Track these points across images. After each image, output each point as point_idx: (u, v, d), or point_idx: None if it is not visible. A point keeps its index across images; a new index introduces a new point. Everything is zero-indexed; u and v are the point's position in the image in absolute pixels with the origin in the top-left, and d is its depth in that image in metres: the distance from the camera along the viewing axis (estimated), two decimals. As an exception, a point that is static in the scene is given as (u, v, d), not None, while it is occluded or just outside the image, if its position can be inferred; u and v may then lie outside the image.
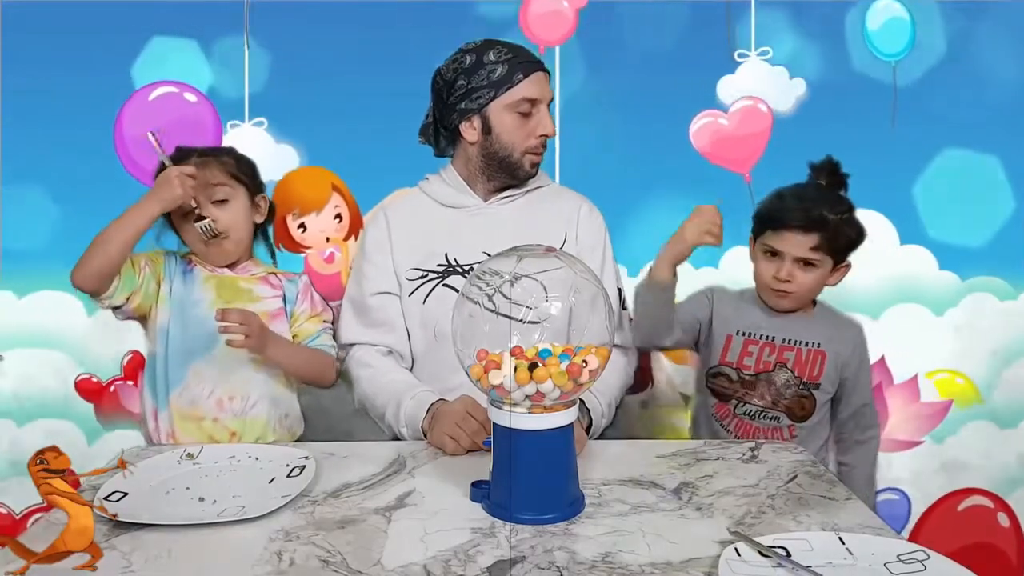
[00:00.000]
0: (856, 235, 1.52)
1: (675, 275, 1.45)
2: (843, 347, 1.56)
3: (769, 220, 1.53)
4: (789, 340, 1.56)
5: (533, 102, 1.49)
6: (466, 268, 1.49)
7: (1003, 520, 2.14)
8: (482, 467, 1.09)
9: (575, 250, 1.53)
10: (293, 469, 1.14)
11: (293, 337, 1.48)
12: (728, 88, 2.13)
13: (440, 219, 1.55)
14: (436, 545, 0.94)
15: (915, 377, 2.12)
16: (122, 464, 0.94)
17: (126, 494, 1.05)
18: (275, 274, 1.50)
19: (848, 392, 1.59)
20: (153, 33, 2.08)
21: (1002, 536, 2.14)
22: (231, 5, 2.07)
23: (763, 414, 1.55)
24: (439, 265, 1.51)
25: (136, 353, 1.75)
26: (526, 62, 1.49)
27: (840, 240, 1.50)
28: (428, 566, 0.89)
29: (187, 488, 1.10)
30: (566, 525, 1.00)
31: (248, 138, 2.09)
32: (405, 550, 0.93)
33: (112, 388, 2.04)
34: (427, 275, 1.51)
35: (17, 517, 2.04)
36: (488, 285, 1.05)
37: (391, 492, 1.11)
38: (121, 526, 0.97)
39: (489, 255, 1.33)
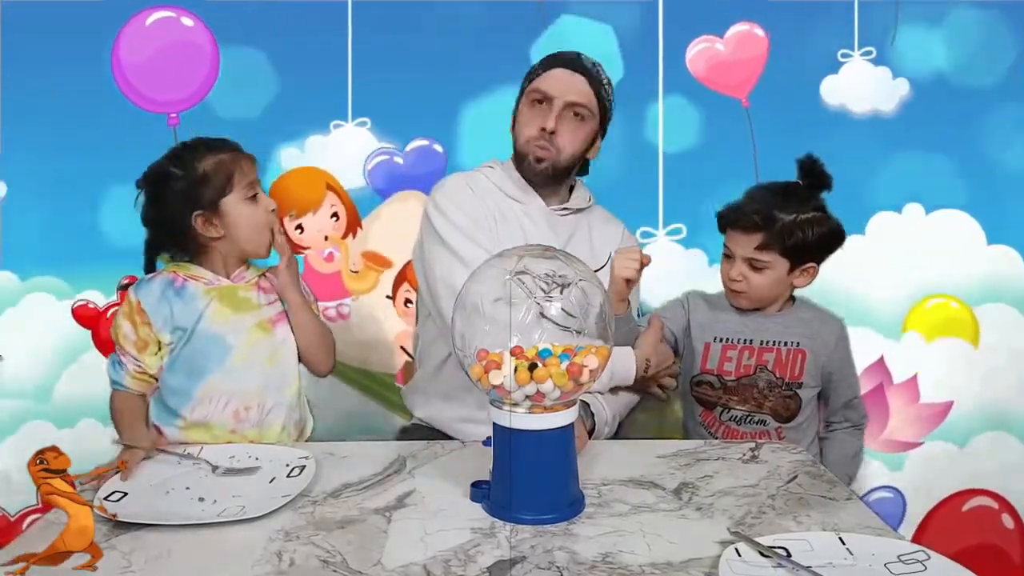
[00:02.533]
0: (816, 237, 1.50)
1: (628, 304, 1.47)
2: (824, 344, 1.56)
3: (723, 220, 1.57)
4: (767, 341, 1.56)
5: (545, 97, 1.49)
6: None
7: (1007, 521, 2.14)
8: (482, 467, 1.09)
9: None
10: (293, 469, 1.14)
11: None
12: (831, 88, 2.12)
13: (508, 208, 1.54)
14: (436, 545, 0.94)
15: (915, 377, 2.12)
16: (122, 465, 0.94)
17: (126, 494, 1.05)
18: (265, 275, 1.47)
19: (835, 387, 1.60)
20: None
21: (1006, 537, 2.14)
22: (335, 5, 2.07)
23: (749, 418, 1.56)
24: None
25: (133, 278, 1.76)
26: (553, 59, 1.51)
27: (791, 240, 1.49)
28: (428, 566, 0.89)
29: (187, 488, 1.09)
30: (566, 525, 1.00)
31: (351, 138, 2.08)
32: (405, 550, 0.93)
33: (109, 314, 2.02)
34: None
35: (12, 519, 2.04)
36: (542, 291, 1.05)
37: (391, 492, 1.11)
38: (121, 526, 0.97)
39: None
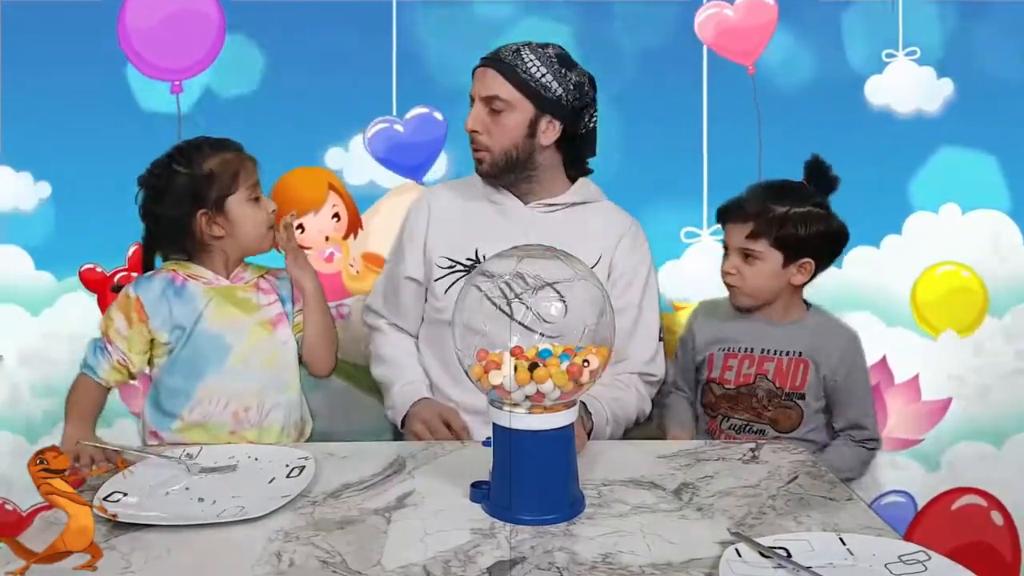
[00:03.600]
0: (811, 233, 1.50)
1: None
2: (827, 355, 1.53)
3: (721, 214, 1.58)
4: (769, 350, 1.55)
5: (472, 98, 1.52)
6: None
7: (997, 519, 2.13)
8: (482, 467, 1.09)
9: (605, 273, 1.53)
10: (293, 470, 1.14)
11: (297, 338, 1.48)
12: (876, 88, 2.11)
13: (479, 213, 1.57)
14: (436, 546, 0.94)
15: (916, 377, 2.12)
16: (122, 464, 0.94)
17: (125, 494, 1.05)
18: (264, 276, 1.47)
19: (839, 404, 1.55)
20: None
21: (996, 535, 2.13)
22: (379, 5, 2.06)
23: (748, 428, 1.55)
24: (468, 259, 1.53)
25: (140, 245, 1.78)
26: (480, 59, 1.52)
27: (782, 232, 1.49)
28: (428, 567, 0.89)
29: (186, 488, 1.09)
30: (566, 526, 1.00)
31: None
32: (405, 551, 0.93)
33: (116, 279, 2.02)
34: (455, 266, 1.53)
35: (23, 514, 2.04)
36: (511, 290, 1.05)
37: (391, 492, 1.10)
38: (121, 526, 0.97)
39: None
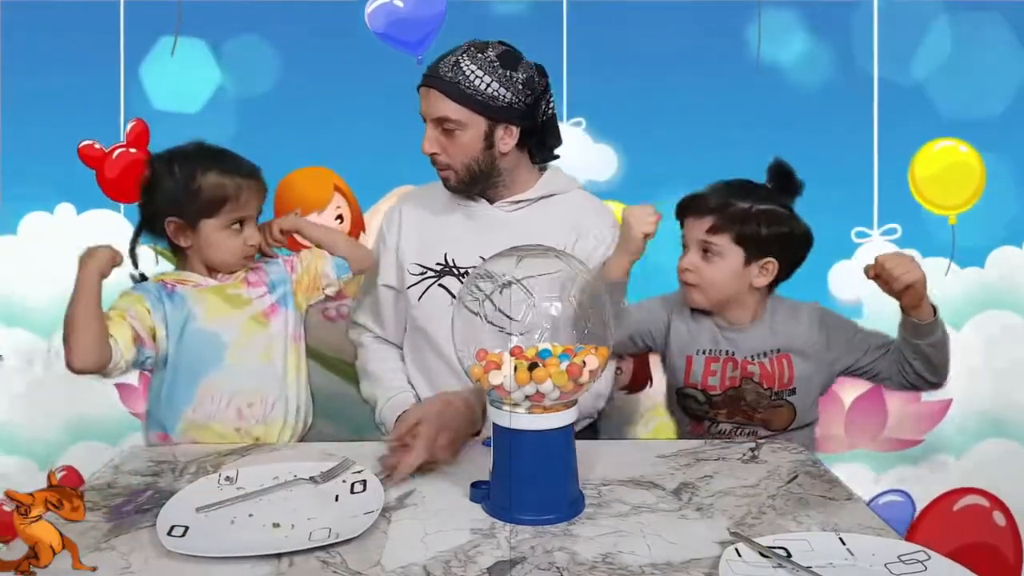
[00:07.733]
0: (772, 233, 1.43)
1: (627, 273, 1.41)
2: (803, 339, 1.47)
3: (680, 210, 1.50)
4: (750, 354, 1.47)
5: (424, 117, 1.47)
6: (461, 270, 1.49)
7: (999, 519, 2.13)
8: (482, 467, 1.09)
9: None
10: (354, 484, 1.09)
11: (307, 286, 1.48)
12: None
13: (446, 217, 1.56)
14: (436, 546, 0.94)
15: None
16: (51, 478, 0.87)
17: (187, 528, 0.97)
18: (251, 269, 1.46)
19: (860, 354, 1.47)
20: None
21: (999, 535, 2.13)
22: (550, 5, 2.07)
23: (738, 430, 1.49)
24: (437, 264, 1.52)
25: (139, 121, 1.69)
26: (423, 77, 1.47)
27: (745, 228, 1.43)
28: (428, 567, 0.89)
29: (250, 515, 1.02)
30: (566, 526, 1.00)
31: (567, 138, 2.04)
32: (405, 551, 0.93)
33: (115, 155, 1.95)
34: (426, 272, 1.52)
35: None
36: (479, 290, 1.05)
37: (391, 492, 1.10)
38: (121, 526, 0.97)
39: (483, 259, 1.21)
